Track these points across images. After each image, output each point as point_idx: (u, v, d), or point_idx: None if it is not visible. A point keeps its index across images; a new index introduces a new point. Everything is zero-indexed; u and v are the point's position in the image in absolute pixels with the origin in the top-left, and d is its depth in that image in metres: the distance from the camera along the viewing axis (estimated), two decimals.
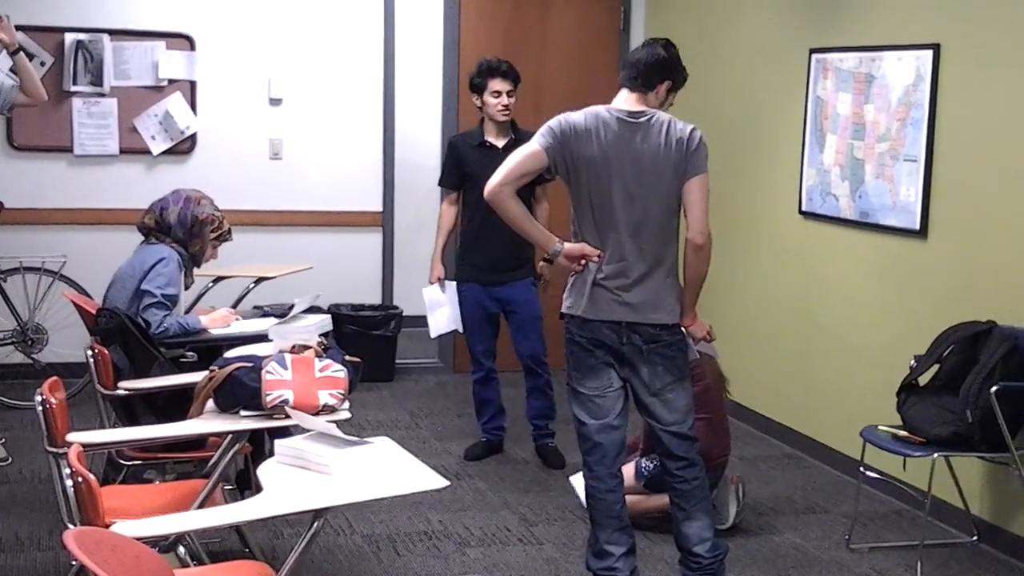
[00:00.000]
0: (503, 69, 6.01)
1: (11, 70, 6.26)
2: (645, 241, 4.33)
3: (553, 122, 4.36)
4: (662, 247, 4.36)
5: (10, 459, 5.89)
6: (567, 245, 4.40)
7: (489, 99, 5.99)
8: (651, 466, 5.15)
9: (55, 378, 3.84)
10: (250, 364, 3.96)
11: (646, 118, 4.34)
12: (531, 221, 4.45)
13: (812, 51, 6.25)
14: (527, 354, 6.15)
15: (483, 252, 6.05)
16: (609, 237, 4.33)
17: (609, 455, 4.44)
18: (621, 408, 4.44)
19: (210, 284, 6.70)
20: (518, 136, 6.03)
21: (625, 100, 4.40)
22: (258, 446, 4.82)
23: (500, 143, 6.02)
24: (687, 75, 4.56)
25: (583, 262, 4.37)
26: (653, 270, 4.35)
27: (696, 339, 4.54)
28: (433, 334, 6.45)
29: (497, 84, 5.98)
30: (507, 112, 5.99)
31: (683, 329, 4.47)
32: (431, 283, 6.30)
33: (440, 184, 6.33)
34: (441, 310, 6.29)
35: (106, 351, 4.57)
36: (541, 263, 6.03)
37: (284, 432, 4.18)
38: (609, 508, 4.45)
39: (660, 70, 4.43)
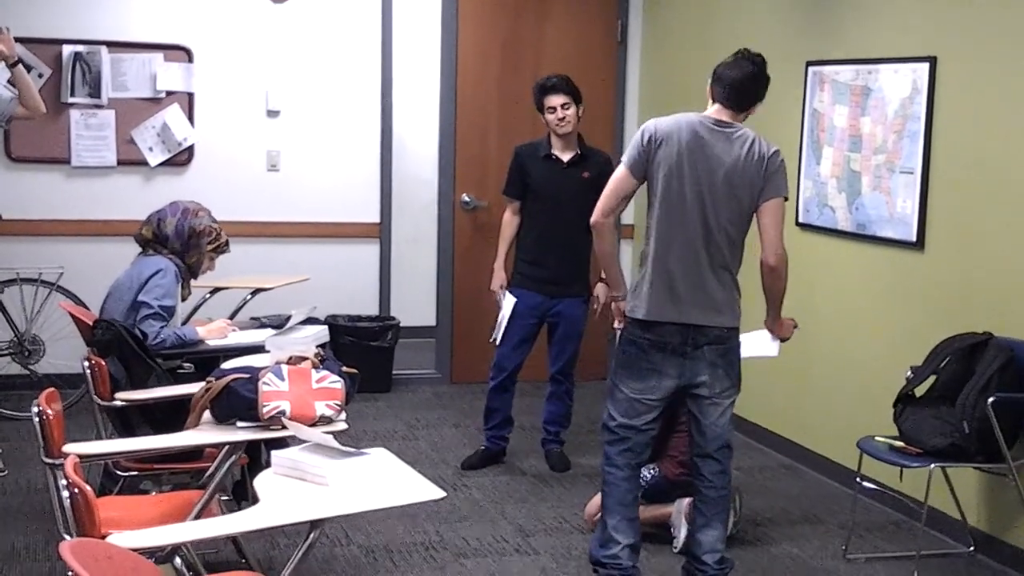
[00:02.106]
0: (552, 84, 6.04)
1: (9, 82, 6.27)
2: (713, 246, 4.42)
3: (638, 134, 4.48)
4: (729, 254, 4.46)
5: (6, 471, 5.88)
6: (622, 303, 4.63)
7: (547, 116, 6.05)
8: (648, 476, 5.16)
9: (52, 389, 3.83)
10: (247, 375, 3.96)
11: (732, 130, 4.44)
12: (616, 260, 4.66)
13: (809, 63, 6.27)
14: (558, 366, 6.21)
15: (541, 265, 6.09)
16: (679, 238, 4.42)
17: (633, 450, 4.56)
18: (656, 415, 4.55)
19: (207, 295, 6.70)
20: (584, 152, 6.08)
21: (717, 111, 4.48)
22: (255, 457, 4.81)
23: (566, 157, 6.06)
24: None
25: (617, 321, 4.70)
26: (718, 275, 4.44)
27: (785, 338, 4.77)
28: (499, 340, 6.23)
29: (551, 100, 6.02)
30: (565, 124, 6.01)
31: (773, 333, 4.74)
32: (492, 289, 6.27)
33: (504, 193, 6.31)
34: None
35: (103, 362, 4.57)
36: (599, 284, 6.06)
37: (281, 443, 4.18)
38: (623, 495, 4.55)
39: (756, 96, 4.50)
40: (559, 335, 6.18)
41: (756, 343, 4.76)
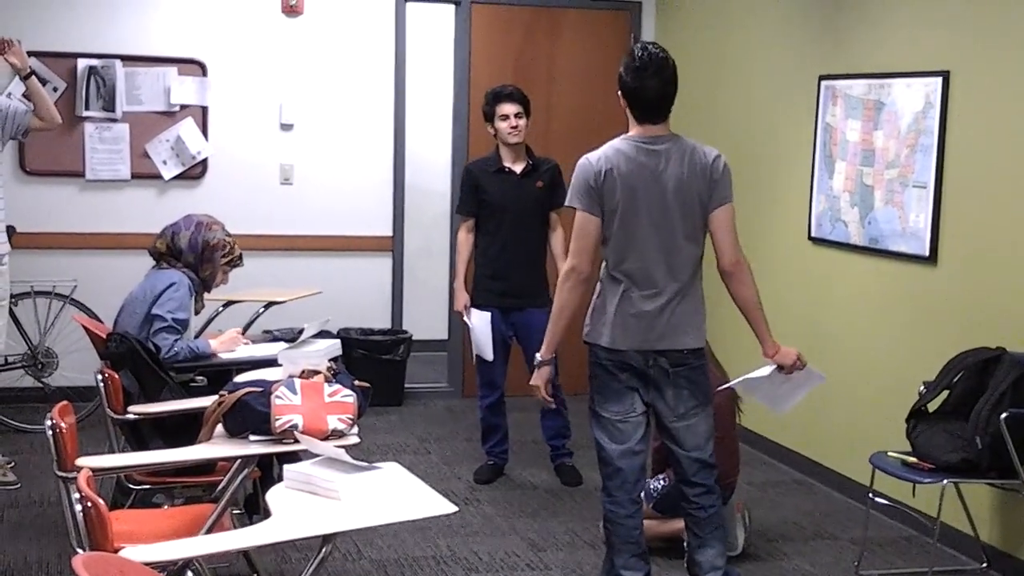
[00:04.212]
0: (507, 92, 6.09)
1: (24, 95, 6.30)
2: (674, 267, 4.35)
3: (578, 175, 4.35)
4: (690, 271, 4.39)
5: (20, 484, 5.90)
6: (539, 372, 4.56)
7: (499, 124, 6.06)
8: (659, 487, 5.15)
9: (65, 402, 3.84)
10: (260, 389, 3.96)
11: (666, 145, 4.33)
12: (566, 320, 4.47)
13: (821, 78, 6.27)
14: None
15: (502, 278, 6.09)
16: (638, 264, 4.34)
17: (630, 480, 4.45)
18: (643, 434, 4.47)
19: (220, 308, 6.72)
20: (535, 162, 6.10)
21: (644, 129, 4.36)
22: (267, 471, 4.81)
23: (518, 168, 6.10)
24: None
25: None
26: (682, 295, 4.37)
27: (787, 368, 4.48)
28: (490, 357, 6.18)
29: (505, 108, 6.04)
30: (516, 133, 6.04)
31: (771, 359, 4.47)
32: (457, 310, 6.30)
33: (458, 211, 6.33)
34: (487, 336, 6.17)
35: (116, 375, 4.58)
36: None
37: (293, 457, 4.19)
38: (628, 533, 4.46)
39: (674, 97, 4.37)
40: (532, 349, 6.08)
41: (754, 372, 4.61)
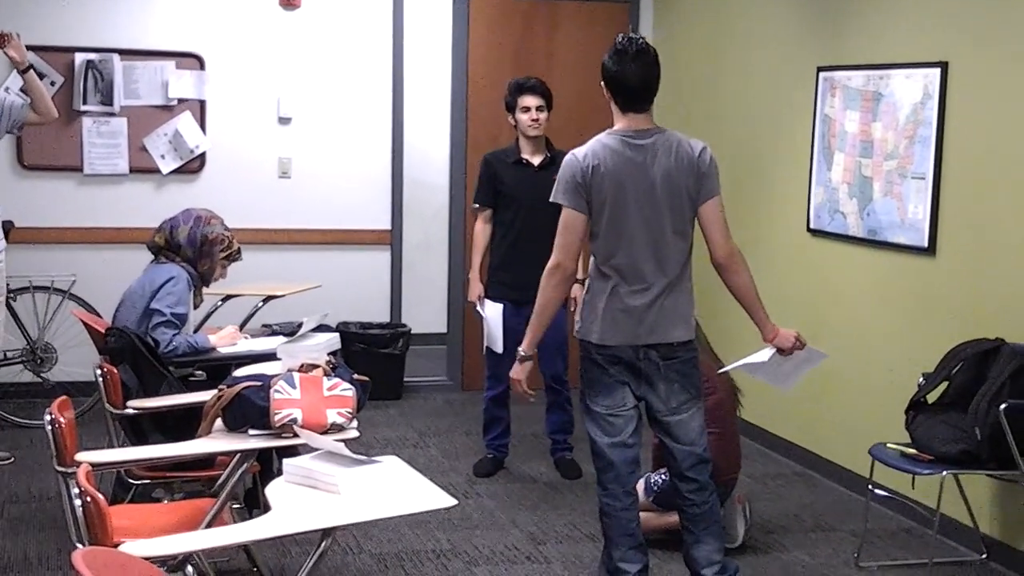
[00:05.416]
0: (531, 84, 6.08)
1: (21, 89, 6.29)
2: (662, 262, 4.35)
3: (564, 173, 4.37)
4: (678, 266, 4.38)
5: (12, 458, 5.95)
6: (522, 366, 4.58)
7: (520, 115, 6.05)
8: (660, 481, 5.15)
9: (64, 397, 3.85)
10: (259, 383, 3.97)
11: (652, 139, 4.34)
12: (549, 317, 4.50)
13: (820, 69, 6.26)
14: (549, 374, 6.17)
15: (515, 271, 6.05)
16: (627, 260, 4.35)
17: (623, 473, 4.46)
18: (635, 427, 4.47)
19: (219, 303, 6.72)
20: (553, 155, 6.07)
21: (629, 121, 4.38)
22: (266, 465, 4.82)
23: (536, 160, 6.08)
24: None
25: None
26: (670, 289, 4.37)
27: (787, 350, 4.49)
28: (500, 349, 6.13)
29: (527, 100, 6.03)
30: (537, 126, 6.03)
31: (770, 343, 4.48)
32: (470, 301, 6.30)
33: (475, 201, 6.30)
34: (499, 327, 6.14)
35: (115, 370, 4.59)
36: (575, 284, 5.58)
37: (292, 451, 4.20)
38: (624, 526, 4.46)
39: (658, 85, 4.39)
40: (544, 342, 6.09)
41: (752, 355, 4.60)
